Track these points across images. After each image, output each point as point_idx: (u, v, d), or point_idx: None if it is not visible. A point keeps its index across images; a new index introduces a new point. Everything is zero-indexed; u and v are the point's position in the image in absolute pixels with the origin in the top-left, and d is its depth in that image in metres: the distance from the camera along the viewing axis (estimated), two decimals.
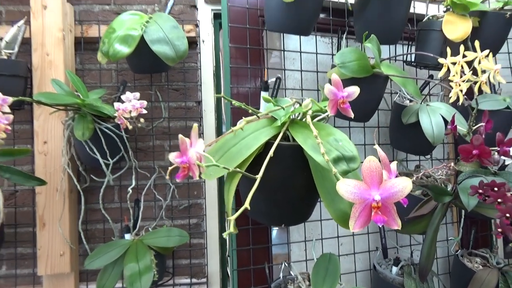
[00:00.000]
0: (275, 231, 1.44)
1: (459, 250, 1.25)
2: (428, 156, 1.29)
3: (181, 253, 1.28)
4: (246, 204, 0.57)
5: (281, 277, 1.04)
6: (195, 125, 0.61)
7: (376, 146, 0.48)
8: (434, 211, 0.99)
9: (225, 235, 0.53)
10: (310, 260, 1.13)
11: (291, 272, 1.07)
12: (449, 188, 1.04)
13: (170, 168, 0.68)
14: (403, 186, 0.40)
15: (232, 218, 0.55)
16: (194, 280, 1.27)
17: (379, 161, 0.41)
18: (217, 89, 1.34)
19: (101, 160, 1.06)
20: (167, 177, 0.63)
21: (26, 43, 1.19)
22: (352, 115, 0.64)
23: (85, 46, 1.27)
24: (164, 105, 1.30)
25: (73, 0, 1.28)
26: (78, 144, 1.10)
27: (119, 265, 1.04)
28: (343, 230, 1.20)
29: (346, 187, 0.41)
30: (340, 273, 0.89)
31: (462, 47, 0.81)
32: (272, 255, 1.12)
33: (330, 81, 1.05)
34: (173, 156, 0.56)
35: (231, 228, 0.54)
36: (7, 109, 0.85)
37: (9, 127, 0.84)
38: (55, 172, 1.14)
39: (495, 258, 1.19)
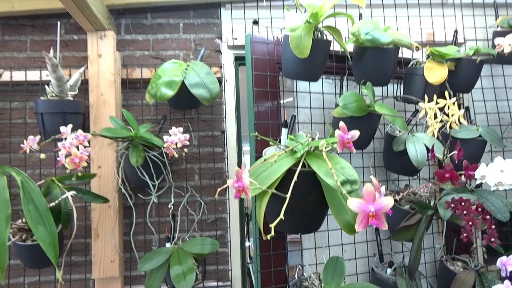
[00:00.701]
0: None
1: (444, 256, 1.48)
2: (416, 177, 1.54)
3: (210, 260, 1.51)
4: (281, 216, 0.81)
5: (296, 277, 1.27)
6: (244, 161, 0.85)
7: (372, 177, 0.72)
8: (420, 222, 1.23)
9: (267, 237, 0.77)
10: (320, 264, 1.36)
11: (304, 273, 1.30)
12: (432, 203, 1.28)
13: (219, 189, 0.93)
14: (388, 202, 0.64)
15: (272, 225, 0.79)
16: (220, 283, 1.50)
17: (373, 186, 0.65)
18: (238, 119, 1.59)
19: (149, 182, 1.30)
20: (216, 196, 0.86)
21: (81, 84, 1.43)
22: (354, 151, 0.89)
23: (129, 86, 1.52)
24: (194, 134, 1.55)
25: (119, 47, 1.54)
26: (128, 168, 1.34)
27: (163, 269, 1.27)
28: (346, 239, 1.43)
29: (353, 203, 0.65)
30: (345, 272, 1.13)
31: (435, 97, 1.06)
32: (288, 260, 1.35)
33: (334, 118, 1.30)
34: (231, 182, 0.80)
35: (272, 233, 0.78)
36: (87, 144, 1.09)
37: (88, 158, 1.08)
38: (108, 192, 1.38)
39: (473, 262, 1.42)
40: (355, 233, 0.98)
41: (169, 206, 1.39)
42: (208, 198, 1.53)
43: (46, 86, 1.33)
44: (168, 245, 1.36)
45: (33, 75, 1.46)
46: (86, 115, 1.42)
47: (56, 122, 1.27)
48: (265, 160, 0.99)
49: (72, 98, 1.34)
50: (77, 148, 1.06)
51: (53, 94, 1.31)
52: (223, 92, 1.55)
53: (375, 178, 0.70)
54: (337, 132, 0.86)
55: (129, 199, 1.38)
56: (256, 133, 1.00)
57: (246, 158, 1.86)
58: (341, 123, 0.87)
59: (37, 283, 1.44)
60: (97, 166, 1.39)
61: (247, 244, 2.02)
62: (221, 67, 1.56)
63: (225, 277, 1.52)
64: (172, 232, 1.41)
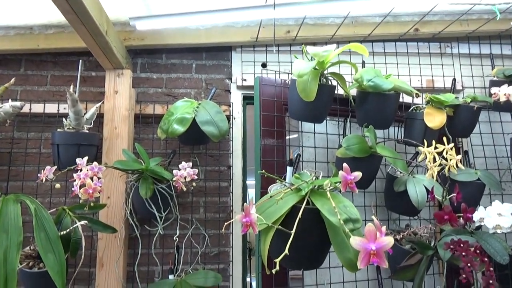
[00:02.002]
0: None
1: None
2: (417, 217, 1.57)
3: None
4: (286, 251, 0.85)
5: None
6: (252, 197, 0.90)
7: (373, 216, 0.77)
8: (420, 262, 1.26)
9: (272, 271, 0.81)
10: None
11: None
12: (432, 244, 1.31)
13: (226, 223, 0.97)
14: (389, 241, 0.68)
15: (277, 260, 0.83)
16: None
17: (375, 225, 0.70)
18: (244, 155, 1.65)
19: (157, 214, 1.34)
20: (223, 230, 0.90)
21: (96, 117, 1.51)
22: (357, 191, 0.93)
23: (141, 120, 1.59)
24: (201, 168, 1.60)
25: (134, 84, 1.62)
26: (136, 199, 1.39)
27: None
28: (348, 276, 1.45)
29: (356, 241, 0.70)
30: None
31: (433, 142, 1.12)
32: None
33: (337, 158, 1.36)
34: (239, 217, 0.84)
35: (277, 267, 0.81)
36: (101, 175, 1.14)
37: (101, 189, 1.13)
38: (116, 222, 1.42)
39: None
40: (357, 270, 1.01)
41: (174, 238, 1.42)
42: (212, 231, 1.56)
43: (64, 119, 1.40)
44: (171, 277, 1.38)
45: (51, 108, 1.54)
46: (99, 147, 1.48)
47: (71, 153, 1.33)
48: (271, 197, 1.03)
49: (87, 131, 1.40)
50: (91, 179, 1.11)
51: (70, 127, 1.38)
52: (231, 129, 1.62)
53: (376, 218, 0.75)
54: (340, 173, 0.91)
55: (135, 229, 1.41)
56: (264, 170, 1.05)
57: (250, 192, 1.90)
58: (345, 165, 0.93)
59: None
60: (107, 196, 1.44)
61: (247, 279, 2.02)
62: (230, 105, 1.64)
63: None
64: (176, 264, 1.43)
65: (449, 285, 1.53)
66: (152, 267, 1.51)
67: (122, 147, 1.43)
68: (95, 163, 1.15)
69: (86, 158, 1.17)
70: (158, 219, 1.35)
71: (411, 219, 1.59)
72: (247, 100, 1.68)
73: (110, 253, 1.41)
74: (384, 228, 0.73)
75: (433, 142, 1.12)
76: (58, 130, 1.38)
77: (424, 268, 1.24)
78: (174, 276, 1.39)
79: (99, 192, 1.12)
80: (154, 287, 1.30)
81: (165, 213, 1.38)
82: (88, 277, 1.48)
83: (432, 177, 1.11)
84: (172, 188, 1.38)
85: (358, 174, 0.92)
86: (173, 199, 1.40)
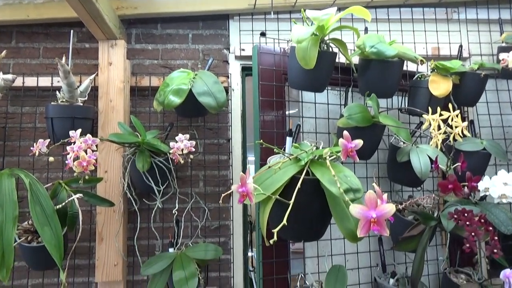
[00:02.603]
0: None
1: (447, 268, 1.47)
2: (420, 188, 1.54)
3: (212, 266, 1.51)
4: (284, 221, 0.82)
5: (299, 286, 1.27)
6: (248, 167, 0.87)
7: (374, 184, 0.74)
8: (423, 233, 1.24)
9: (270, 242, 0.78)
10: (322, 272, 1.36)
11: (306, 282, 1.31)
12: (435, 215, 1.28)
13: (223, 194, 0.95)
14: (390, 209, 0.65)
15: (275, 230, 0.80)
16: None
17: (375, 193, 0.66)
18: (243, 128, 1.61)
19: (155, 188, 1.32)
20: (220, 201, 0.88)
21: (90, 90, 1.47)
22: (357, 160, 0.90)
23: (137, 93, 1.55)
24: (200, 142, 1.57)
25: (129, 55, 1.57)
26: (134, 173, 1.36)
27: (166, 273, 1.28)
28: (349, 248, 1.44)
29: (356, 209, 0.66)
30: (347, 281, 1.13)
31: (438, 109, 1.08)
32: (290, 268, 1.36)
33: (338, 128, 1.32)
34: (235, 187, 0.82)
35: (274, 237, 0.79)
36: (95, 148, 1.12)
37: (96, 162, 1.10)
38: (114, 196, 1.40)
39: (477, 274, 1.42)
40: (358, 241, 0.99)
41: (173, 212, 1.40)
42: (212, 205, 1.54)
43: (57, 92, 1.36)
44: (171, 250, 1.37)
45: (44, 81, 1.50)
46: (95, 121, 1.45)
47: (65, 127, 1.30)
48: (269, 167, 1.00)
49: (81, 104, 1.37)
50: (85, 152, 1.08)
51: (64, 100, 1.34)
52: (230, 101, 1.58)
53: (377, 186, 0.72)
54: (341, 141, 0.88)
55: (134, 203, 1.39)
56: (261, 140, 1.02)
57: (251, 167, 1.88)
58: (345, 132, 0.89)
59: (40, 285, 1.45)
60: (104, 170, 1.41)
61: (249, 254, 2.03)
62: (228, 76, 1.59)
63: (227, 284, 1.52)
64: (176, 237, 1.42)
65: (452, 256, 1.52)
66: (152, 241, 1.50)
67: (118, 121, 1.39)
68: (88, 135, 1.12)
69: (79, 130, 1.14)
70: (157, 192, 1.33)
71: (414, 191, 1.56)
72: (246, 71, 1.63)
73: (109, 227, 1.40)
74: (385, 196, 0.70)
75: (438, 109, 1.08)
76: (52, 103, 1.34)
77: (427, 238, 1.22)
78: (174, 249, 1.38)
79: (93, 165, 1.09)
80: (153, 260, 1.29)
81: (164, 186, 1.36)
82: (88, 251, 1.48)
83: (437, 145, 1.07)
84: (170, 162, 1.35)
85: (359, 142, 0.89)
86: (171, 172, 1.38)
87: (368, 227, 0.66)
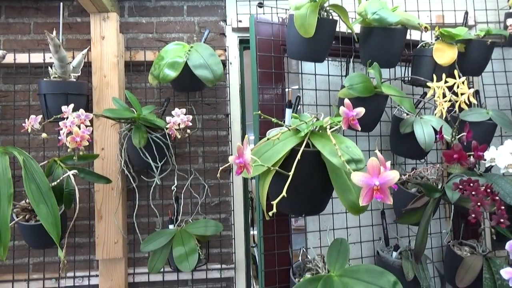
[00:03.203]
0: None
1: (451, 241, 1.46)
2: (423, 160, 1.51)
3: (213, 243, 1.50)
4: (283, 193, 0.80)
5: (300, 260, 1.26)
6: (246, 136, 0.84)
7: (376, 151, 0.70)
8: (426, 205, 1.21)
9: (268, 217, 0.76)
10: (324, 247, 1.35)
11: (308, 256, 1.29)
12: (439, 186, 1.25)
13: (221, 168, 0.92)
14: (393, 176, 0.62)
15: (274, 202, 0.78)
16: (224, 266, 1.49)
17: (378, 160, 0.63)
18: (242, 103, 1.58)
19: (152, 164, 1.29)
20: (218, 175, 0.85)
21: (84, 66, 1.42)
22: (359, 129, 0.87)
23: (132, 68, 1.51)
24: (198, 117, 1.53)
25: (123, 29, 1.52)
26: (131, 150, 1.33)
27: (166, 250, 1.27)
28: (351, 222, 1.42)
29: (358, 177, 0.63)
30: (349, 254, 1.11)
31: (443, 76, 1.04)
32: (292, 243, 1.34)
33: (339, 99, 1.28)
34: (232, 158, 0.79)
35: (274, 209, 0.76)
36: (88, 123, 1.08)
37: (89, 137, 1.07)
38: (112, 173, 1.38)
39: (481, 247, 1.40)
40: (360, 213, 0.96)
41: (172, 188, 1.38)
42: (212, 181, 1.52)
43: (49, 68, 1.32)
44: (171, 227, 1.36)
45: (36, 58, 1.45)
46: (90, 97, 1.42)
47: (58, 103, 1.26)
48: (268, 139, 0.97)
49: (74, 80, 1.33)
50: (79, 127, 1.05)
51: (56, 76, 1.30)
52: (227, 75, 1.53)
53: (380, 153, 0.68)
54: (341, 109, 0.84)
55: (132, 181, 1.37)
56: (259, 111, 0.98)
57: (251, 138, 1.85)
58: (346, 100, 0.85)
59: (41, 264, 1.45)
60: (100, 148, 1.39)
61: (252, 232, 2.02)
62: (225, 50, 1.54)
63: (229, 260, 1.52)
64: (175, 214, 1.40)
65: (455, 229, 1.50)
66: (152, 218, 1.49)
67: (113, 96, 1.35)
68: (81, 110, 1.09)
69: (71, 105, 1.10)
70: (154, 169, 1.31)
71: (417, 163, 1.53)
72: (244, 44, 1.58)
73: (108, 205, 1.38)
74: (388, 163, 0.67)
75: (443, 76, 1.03)
76: (45, 79, 1.31)
77: (431, 211, 1.19)
78: (174, 226, 1.37)
79: (88, 141, 1.06)
80: (153, 236, 1.28)
81: (161, 163, 1.33)
82: (88, 229, 1.47)
83: (441, 114, 1.04)
84: (168, 137, 1.32)
85: (360, 110, 0.85)
86: (169, 148, 1.35)
87: (370, 195, 0.63)
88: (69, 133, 1.04)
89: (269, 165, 0.96)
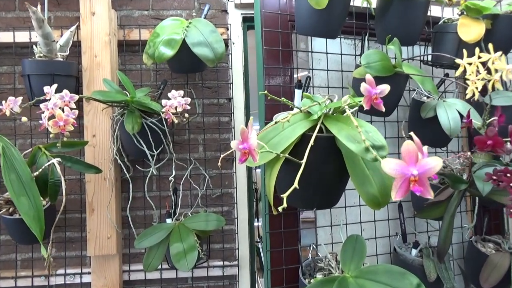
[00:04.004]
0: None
1: (473, 237, 1.34)
2: (444, 149, 1.39)
3: (215, 238, 1.39)
4: (295, 184, 0.68)
5: (310, 258, 1.14)
6: (251, 118, 0.71)
7: (412, 133, 0.58)
8: (450, 198, 1.09)
9: (279, 209, 0.64)
10: (336, 243, 1.23)
11: (318, 253, 1.18)
12: (464, 177, 1.13)
13: (221, 156, 0.80)
14: (435, 163, 0.50)
15: (284, 195, 0.66)
16: (226, 263, 1.39)
17: (415, 144, 0.51)
18: (246, 86, 1.45)
19: (147, 152, 1.18)
20: (219, 163, 0.73)
21: (74, 46, 1.31)
22: (383, 109, 0.74)
23: (126, 49, 1.38)
24: (198, 102, 1.41)
25: (116, 6, 1.39)
26: (125, 137, 1.22)
27: (163, 246, 1.16)
28: (365, 216, 1.30)
29: (389, 165, 0.51)
30: (366, 252, 1.00)
31: (477, 50, 0.91)
32: (300, 239, 1.23)
33: (354, 80, 1.15)
34: (235, 143, 0.67)
35: (284, 204, 0.65)
36: (73, 105, 0.96)
37: (74, 121, 0.95)
38: (104, 163, 1.26)
39: (507, 243, 1.28)
40: (381, 207, 0.85)
41: (169, 179, 1.26)
42: (213, 172, 1.40)
43: (34, 46, 1.20)
44: (169, 221, 1.25)
45: (22, 37, 1.33)
46: (79, 80, 1.29)
47: (44, 85, 1.13)
48: (275, 123, 0.85)
49: (62, 59, 1.21)
50: (62, 110, 0.93)
51: (41, 55, 1.18)
52: (230, 55, 1.40)
53: (415, 136, 0.56)
54: (363, 86, 0.72)
55: (125, 171, 1.25)
56: (266, 91, 0.86)
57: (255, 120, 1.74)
58: (368, 76, 0.73)
59: (30, 260, 1.34)
60: (91, 134, 1.27)
61: (256, 224, 1.91)
62: (227, 28, 1.41)
63: (232, 257, 1.41)
64: (173, 207, 1.29)
65: (478, 223, 1.38)
66: (149, 211, 1.38)
67: (104, 78, 1.23)
68: (65, 91, 0.96)
69: (54, 85, 0.98)
70: (150, 157, 1.19)
71: (437, 152, 1.41)
72: (248, 22, 1.44)
73: (100, 197, 1.27)
74: (426, 148, 0.55)
75: (477, 50, 0.90)
76: (29, 59, 1.19)
77: (456, 204, 1.07)
78: (172, 220, 1.26)
79: (72, 125, 0.94)
80: (149, 231, 1.17)
81: (158, 151, 1.21)
82: (80, 223, 1.36)
83: (473, 94, 0.91)
84: (165, 123, 1.20)
85: (385, 87, 0.73)
86: (166, 135, 1.23)
87: (406, 188, 0.51)
88: (52, 116, 0.93)
89: (277, 152, 0.84)
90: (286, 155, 0.73)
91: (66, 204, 1.36)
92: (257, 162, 0.73)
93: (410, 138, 0.57)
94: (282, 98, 0.83)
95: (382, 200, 0.84)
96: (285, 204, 0.64)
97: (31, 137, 1.35)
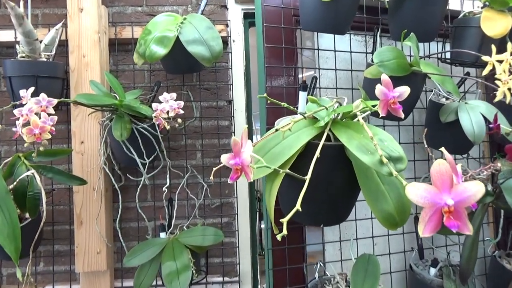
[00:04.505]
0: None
1: (496, 251, 1.22)
2: (464, 156, 1.27)
3: (214, 251, 1.29)
4: (298, 206, 0.57)
5: (317, 277, 1.03)
6: (245, 126, 0.61)
7: (443, 149, 0.48)
8: (474, 212, 0.97)
9: (279, 237, 0.54)
10: (346, 260, 1.12)
11: (326, 272, 1.07)
12: (489, 188, 1.01)
13: (214, 169, 0.69)
14: (476, 190, 0.39)
15: (285, 220, 0.55)
16: (226, 279, 1.28)
17: (448, 163, 0.40)
18: (247, 88, 1.35)
19: (138, 160, 1.08)
20: (211, 178, 0.63)
21: (61, 45, 1.22)
22: (402, 116, 0.63)
23: (118, 48, 1.29)
24: (196, 105, 1.31)
25: (107, 2, 1.29)
26: (115, 144, 1.12)
27: (156, 263, 1.06)
28: (378, 230, 1.18)
29: (416, 191, 0.40)
30: (380, 273, 0.89)
31: (509, 45, 0.79)
32: (307, 255, 1.12)
33: (365, 80, 1.04)
34: (225, 158, 0.56)
35: (284, 231, 0.54)
36: (52, 111, 0.87)
37: (53, 128, 0.86)
38: (92, 172, 1.17)
39: None
40: (398, 227, 0.74)
41: (163, 189, 1.16)
42: (212, 180, 1.30)
43: (17, 46, 1.11)
44: (163, 235, 1.15)
45: (7, 36, 1.24)
46: (67, 82, 1.20)
47: (26, 88, 1.05)
48: (277, 130, 0.74)
49: (45, 60, 1.11)
50: (39, 116, 0.83)
51: (24, 55, 1.09)
52: (230, 54, 1.30)
53: (447, 152, 0.45)
54: (379, 88, 0.60)
55: (113, 181, 1.15)
56: (265, 94, 0.75)
57: (256, 131, 1.63)
58: (384, 76, 0.62)
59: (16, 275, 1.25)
60: (80, 141, 1.17)
61: (258, 225, 1.78)
62: (227, 25, 1.30)
63: (233, 272, 1.30)
64: (168, 219, 1.19)
65: (501, 237, 1.25)
66: (144, 222, 1.27)
67: (90, 79, 1.14)
68: (42, 94, 0.87)
69: (31, 89, 0.89)
70: (141, 166, 1.09)
71: (456, 159, 1.29)
72: (249, 19, 1.34)
73: (89, 208, 1.17)
74: (459, 168, 0.44)
75: (509, 46, 0.79)
76: (11, 59, 1.09)
77: (480, 219, 0.95)
78: (167, 233, 1.16)
79: (50, 133, 0.84)
80: (139, 248, 1.07)
81: (150, 159, 1.11)
82: (69, 235, 1.26)
83: (504, 96, 0.79)
84: (157, 128, 1.10)
85: (404, 90, 0.61)
86: (159, 141, 1.13)
87: (438, 221, 0.40)
88: (28, 123, 0.83)
89: (277, 164, 0.73)
90: (287, 170, 0.62)
91: (54, 215, 1.27)
92: (252, 177, 0.63)
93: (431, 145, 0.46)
94: (284, 104, 0.72)
95: (399, 219, 0.73)
96: (285, 231, 0.53)
97: (16, 143, 1.26)
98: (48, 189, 1.27)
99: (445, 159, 0.41)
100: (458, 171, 0.43)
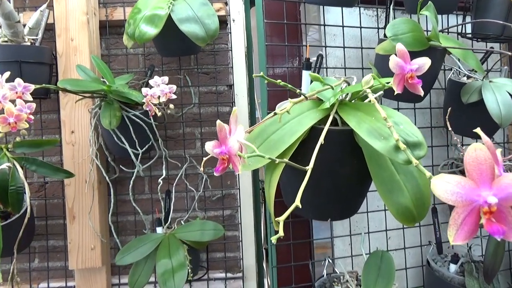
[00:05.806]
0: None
1: None
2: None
3: (215, 246, 1.21)
4: (297, 202, 0.48)
5: (325, 275, 0.95)
6: (235, 109, 0.52)
7: (479, 130, 0.38)
8: None
9: (273, 239, 0.45)
10: (356, 256, 1.03)
11: (335, 270, 0.98)
12: None
13: (204, 159, 0.61)
14: None
15: (281, 219, 0.47)
16: (229, 275, 1.21)
17: (488, 150, 0.31)
18: (249, 71, 1.25)
19: (129, 150, 1.00)
20: (202, 168, 0.54)
21: (50, 29, 1.14)
22: (422, 93, 0.53)
23: (110, 30, 1.20)
24: (194, 90, 1.22)
25: None
26: (106, 133, 1.04)
27: (151, 260, 0.99)
28: (391, 223, 1.09)
29: (445, 185, 0.31)
30: (394, 273, 0.80)
31: None
32: (314, 250, 1.03)
33: (377, 57, 0.94)
34: (210, 146, 0.48)
35: (280, 232, 0.45)
36: (30, 97, 0.79)
37: (31, 117, 0.78)
38: (84, 163, 1.09)
39: None
40: (416, 222, 0.65)
41: (159, 181, 1.08)
42: (212, 170, 1.21)
43: None
44: (159, 230, 1.07)
45: None
46: (54, 67, 1.12)
47: (10, 74, 0.98)
48: (275, 114, 0.65)
49: (29, 44, 1.03)
50: (14, 103, 0.76)
51: (6, 39, 1.01)
52: (230, 35, 1.20)
53: (486, 136, 0.36)
54: (393, 60, 0.51)
55: (104, 173, 1.08)
56: (262, 73, 0.66)
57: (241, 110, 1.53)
58: (400, 46, 0.52)
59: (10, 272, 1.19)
60: (70, 130, 1.10)
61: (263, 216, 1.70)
62: (226, 3, 1.20)
63: (236, 267, 1.23)
64: (164, 213, 1.11)
65: None
66: (139, 216, 1.20)
67: (77, 64, 1.05)
68: (18, 79, 0.79)
69: (6, 74, 0.81)
70: (133, 157, 1.01)
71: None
72: None
73: (82, 202, 1.11)
74: (499, 153, 0.35)
75: None
76: None
77: None
78: (163, 228, 1.08)
79: (27, 122, 0.77)
80: (134, 244, 0.99)
81: (144, 149, 1.03)
82: (63, 230, 1.19)
83: None
84: (151, 116, 1.02)
85: (424, 62, 0.52)
86: (153, 130, 1.04)
87: (474, 223, 0.30)
88: (2, 111, 0.75)
89: (277, 152, 0.65)
90: (285, 160, 0.53)
91: (47, 209, 1.21)
92: (245, 168, 0.54)
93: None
94: (279, 81, 0.62)
95: (417, 213, 0.64)
96: (281, 233, 0.44)
97: (5, 135, 1.19)
98: (41, 182, 1.20)
99: (483, 144, 0.32)
100: (499, 159, 0.34)
